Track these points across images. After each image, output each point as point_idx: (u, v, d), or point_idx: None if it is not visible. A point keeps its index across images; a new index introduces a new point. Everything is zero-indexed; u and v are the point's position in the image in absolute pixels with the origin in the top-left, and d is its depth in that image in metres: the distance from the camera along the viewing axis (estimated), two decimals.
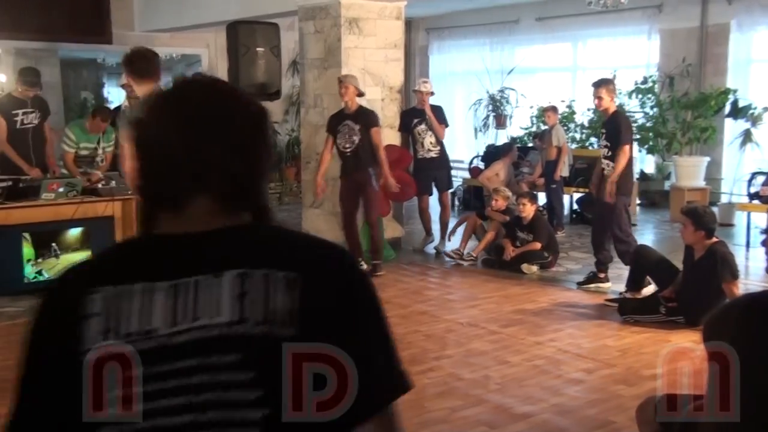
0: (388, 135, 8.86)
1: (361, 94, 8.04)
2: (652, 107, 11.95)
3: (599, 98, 7.20)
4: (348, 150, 7.97)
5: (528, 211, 8.28)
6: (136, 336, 1.27)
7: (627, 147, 7.12)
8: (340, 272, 1.36)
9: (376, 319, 1.35)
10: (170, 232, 1.36)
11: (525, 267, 8.08)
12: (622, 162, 7.06)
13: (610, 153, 7.20)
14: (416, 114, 9.02)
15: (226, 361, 1.25)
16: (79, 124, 8.55)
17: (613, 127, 7.24)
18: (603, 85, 7.24)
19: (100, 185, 7.67)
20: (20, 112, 8.15)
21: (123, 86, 8.75)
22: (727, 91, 11.42)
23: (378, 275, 7.84)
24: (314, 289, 1.30)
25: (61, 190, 7.33)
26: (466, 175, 12.90)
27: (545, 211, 10.06)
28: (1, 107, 8.27)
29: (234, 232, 1.36)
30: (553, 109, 10.83)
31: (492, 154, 12.13)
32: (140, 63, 4.55)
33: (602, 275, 7.45)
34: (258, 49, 8.66)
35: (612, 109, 7.30)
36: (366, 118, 7.99)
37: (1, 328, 6.30)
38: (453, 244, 8.91)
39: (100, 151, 8.37)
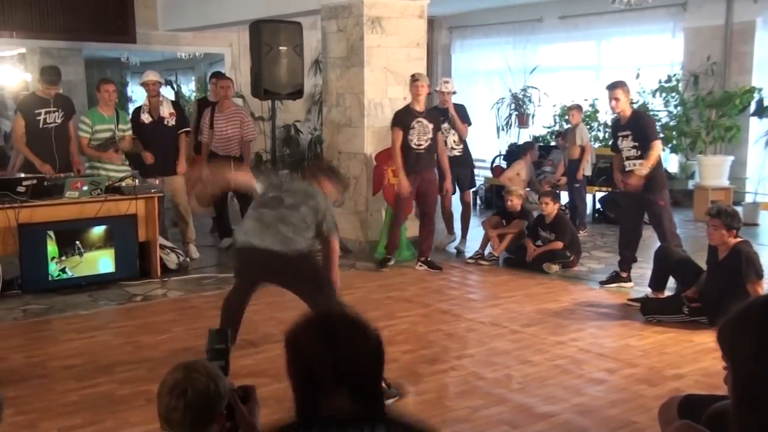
0: None
1: (429, 94, 8.14)
2: (676, 106, 11.88)
3: (616, 99, 7.14)
4: (421, 148, 8.02)
5: (550, 210, 8.26)
6: None
7: (659, 142, 7.16)
8: None
9: None
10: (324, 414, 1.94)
11: (547, 266, 8.06)
12: (655, 156, 7.06)
13: (640, 153, 7.13)
14: (439, 113, 9.00)
15: None
16: (95, 109, 8.42)
17: (638, 127, 7.18)
18: (619, 86, 7.19)
19: (125, 184, 7.70)
20: (43, 111, 8.07)
21: (143, 85, 8.81)
22: (752, 90, 11.35)
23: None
24: None
25: (84, 188, 7.39)
26: (489, 174, 12.89)
27: (568, 210, 10.02)
28: (24, 107, 8.24)
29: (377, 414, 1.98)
30: (578, 107, 10.76)
31: (514, 153, 12.11)
32: None
33: (625, 275, 7.42)
34: (281, 48, 8.72)
35: (629, 109, 7.26)
36: (437, 122, 8.21)
37: (26, 325, 6.38)
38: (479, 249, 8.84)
39: (118, 133, 8.24)
